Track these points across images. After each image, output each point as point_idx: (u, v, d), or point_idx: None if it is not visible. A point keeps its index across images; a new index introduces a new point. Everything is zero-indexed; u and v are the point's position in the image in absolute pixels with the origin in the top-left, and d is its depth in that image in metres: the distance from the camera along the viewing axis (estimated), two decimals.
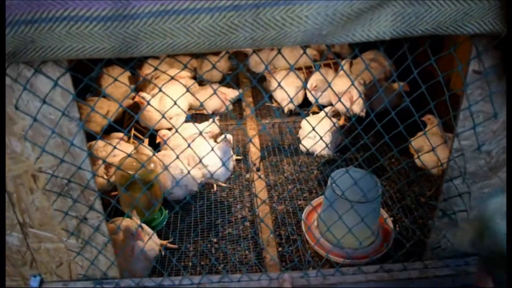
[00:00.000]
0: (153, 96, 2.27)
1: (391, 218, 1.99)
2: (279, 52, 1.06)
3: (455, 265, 1.49)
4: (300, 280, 1.49)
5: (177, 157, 1.28)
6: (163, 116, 1.18)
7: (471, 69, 1.16)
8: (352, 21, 0.96)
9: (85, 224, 1.33)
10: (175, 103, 1.18)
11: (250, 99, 2.86)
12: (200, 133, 1.32)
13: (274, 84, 2.75)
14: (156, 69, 1.09)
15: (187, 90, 1.15)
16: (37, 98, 1.12)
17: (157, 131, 2.29)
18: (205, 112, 2.68)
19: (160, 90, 1.16)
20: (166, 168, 1.38)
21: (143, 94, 2.32)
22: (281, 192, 2.24)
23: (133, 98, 2.35)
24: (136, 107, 2.51)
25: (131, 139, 2.28)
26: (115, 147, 1.32)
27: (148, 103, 1.26)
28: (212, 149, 1.50)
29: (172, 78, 1.15)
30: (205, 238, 1.98)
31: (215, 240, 1.99)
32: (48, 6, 0.86)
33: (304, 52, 1.10)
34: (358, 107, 2.29)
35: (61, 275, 1.46)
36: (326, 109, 2.24)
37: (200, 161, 1.38)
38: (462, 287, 1.49)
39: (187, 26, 0.90)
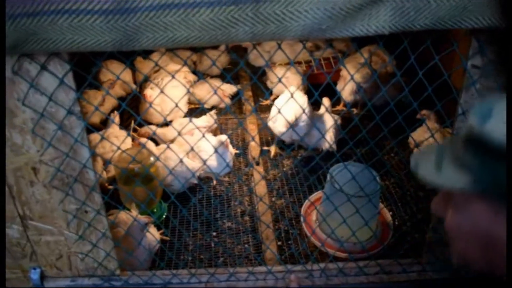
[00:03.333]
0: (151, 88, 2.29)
1: (390, 213, 2.02)
2: (279, 47, 1.08)
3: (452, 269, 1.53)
4: (305, 281, 1.53)
5: (168, 147, 1.30)
6: (165, 120, 1.21)
7: (470, 64, 1.18)
8: (351, 16, 0.98)
9: (84, 216, 1.36)
10: (177, 105, 1.20)
11: (250, 93, 2.88)
12: (197, 128, 1.35)
13: (274, 79, 2.77)
14: (156, 64, 1.12)
15: (188, 91, 1.17)
16: (38, 92, 1.14)
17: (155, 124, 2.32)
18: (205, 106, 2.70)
19: (162, 92, 1.18)
20: (155, 159, 1.40)
21: (149, 91, 2.33)
22: (281, 187, 2.26)
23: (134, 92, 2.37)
24: (135, 99, 2.54)
25: (131, 131, 2.30)
26: (119, 148, 1.34)
27: (150, 106, 1.28)
28: (216, 151, 1.53)
29: (173, 77, 1.17)
30: (204, 232, 2.01)
31: (214, 234, 2.02)
32: None
33: (304, 47, 1.12)
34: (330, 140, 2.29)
35: (61, 267, 1.49)
36: (326, 103, 2.26)
37: (190, 149, 1.40)
38: None
39: (188, 19, 0.93)
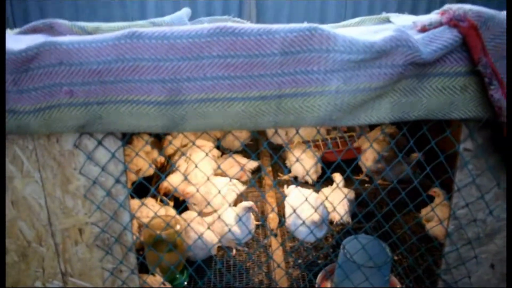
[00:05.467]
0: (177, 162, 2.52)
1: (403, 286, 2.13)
2: (297, 132, 1.32)
3: None
4: None
5: (188, 225, 1.51)
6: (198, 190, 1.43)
7: (462, 147, 1.39)
8: (356, 108, 1.22)
9: (119, 275, 1.54)
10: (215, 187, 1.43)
11: (269, 169, 3.11)
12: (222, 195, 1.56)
13: (292, 158, 3.01)
14: (193, 143, 1.36)
15: (219, 167, 1.39)
16: (93, 163, 1.39)
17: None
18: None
19: (196, 166, 1.42)
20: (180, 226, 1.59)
21: (190, 188, 2.54)
22: (297, 258, 2.40)
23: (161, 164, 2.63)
24: (162, 170, 2.78)
25: (159, 201, 2.52)
26: (156, 214, 1.56)
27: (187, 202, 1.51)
28: (240, 219, 1.70)
29: (207, 154, 1.41)
30: None
31: None
32: (117, 91, 1.15)
33: (318, 132, 1.36)
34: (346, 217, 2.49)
35: None
36: (337, 180, 2.47)
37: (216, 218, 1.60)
38: None
39: (224, 110, 1.18)
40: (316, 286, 2.12)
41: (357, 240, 1.64)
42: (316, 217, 2.14)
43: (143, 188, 1.63)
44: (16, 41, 1.27)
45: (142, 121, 1.20)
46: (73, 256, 1.53)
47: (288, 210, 2.48)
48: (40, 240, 1.51)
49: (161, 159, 2.94)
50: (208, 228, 1.85)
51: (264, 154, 3.28)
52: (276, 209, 2.64)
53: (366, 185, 2.95)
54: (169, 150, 3.03)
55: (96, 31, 1.46)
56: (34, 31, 1.47)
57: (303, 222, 1.90)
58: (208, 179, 1.63)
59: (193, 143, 1.34)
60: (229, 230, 1.79)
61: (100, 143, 1.35)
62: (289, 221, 2.39)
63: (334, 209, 2.17)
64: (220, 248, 2.42)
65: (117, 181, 1.41)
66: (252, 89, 1.15)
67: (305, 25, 1.14)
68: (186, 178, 1.49)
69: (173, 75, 1.13)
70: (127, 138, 1.35)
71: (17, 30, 1.57)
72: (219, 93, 1.15)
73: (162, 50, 1.12)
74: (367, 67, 1.16)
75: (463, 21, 1.17)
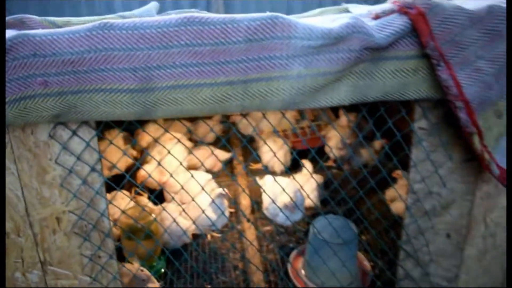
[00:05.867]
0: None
1: (371, 263, 2.26)
2: (265, 117, 1.41)
3: None
4: None
5: (164, 209, 1.58)
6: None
7: (417, 126, 1.51)
8: (318, 92, 1.31)
9: (98, 261, 1.60)
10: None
11: (241, 158, 3.20)
12: (202, 188, 1.64)
13: (262, 148, 3.11)
14: (165, 130, 1.43)
15: (191, 153, 1.47)
16: (68, 152, 1.44)
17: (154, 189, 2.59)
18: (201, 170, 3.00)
19: (169, 152, 1.49)
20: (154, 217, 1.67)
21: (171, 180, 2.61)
22: (271, 242, 2.51)
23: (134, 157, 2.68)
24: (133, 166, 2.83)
25: (133, 194, 2.58)
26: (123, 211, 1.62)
27: (173, 199, 1.58)
28: (214, 202, 1.79)
29: (179, 141, 1.48)
30: (199, 285, 2.22)
31: (208, 287, 2.23)
32: (91, 80, 1.21)
33: (284, 116, 1.45)
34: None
35: None
36: (308, 166, 2.58)
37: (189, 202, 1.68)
38: None
39: (193, 96, 1.25)
40: (289, 263, 2.22)
41: (326, 219, 1.75)
42: (287, 200, 2.25)
43: (119, 182, 1.69)
44: None
45: (116, 109, 1.26)
46: (51, 245, 1.58)
47: (265, 198, 2.57)
48: (18, 231, 1.55)
49: (135, 153, 2.99)
50: (183, 211, 1.90)
51: (235, 145, 3.37)
52: (247, 192, 2.74)
53: (334, 170, 3.08)
54: (143, 143, 3.07)
55: (67, 24, 1.50)
56: (6, 26, 1.51)
57: (281, 207, 2.00)
58: (187, 170, 1.70)
59: (166, 130, 1.41)
60: (203, 212, 1.86)
61: (74, 133, 1.41)
62: (267, 205, 2.50)
63: (306, 193, 2.27)
64: (195, 237, 2.50)
65: (93, 169, 1.46)
66: (219, 75, 1.23)
67: (268, 14, 1.22)
68: (159, 164, 1.56)
69: (144, 64, 1.20)
70: (101, 128, 1.41)
71: None
72: (188, 80, 1.23)
73: (133, 39, 1.18)
74: (326, 52, 1.25)
75: (412, 8, 1.28)
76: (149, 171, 2.59)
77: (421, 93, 1.39)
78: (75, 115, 1.28)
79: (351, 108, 3.10)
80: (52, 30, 1.20)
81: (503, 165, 1.48)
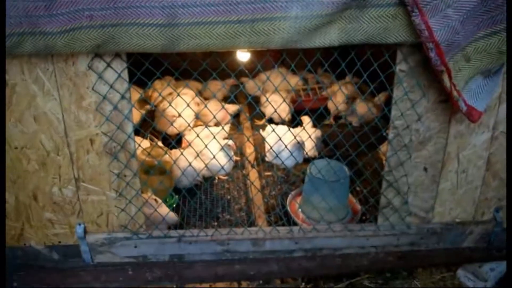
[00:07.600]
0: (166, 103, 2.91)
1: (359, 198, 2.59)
2: (267, 78, 1.71)
3: (399, 228, 2.10)
4: (286, 234, 2.09)
5: (182, 153, 1.90)
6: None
7: (398, 68, 1.81)
8: (312, 33, 1.61)
9: (124, 179, 1.93)
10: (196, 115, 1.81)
11: (247, 114, 3.53)
12: (214, 137, 1.97)
13: (266, 104, 3.42)
14: (169, 86, 1.74)
15: (205, 106, 1.78)
16: (103, 81, 1.75)
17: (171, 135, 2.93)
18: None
19: (178, 95, 1.80)
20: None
21: (188, 137, 2.98)
22: (273, 189, 2.84)
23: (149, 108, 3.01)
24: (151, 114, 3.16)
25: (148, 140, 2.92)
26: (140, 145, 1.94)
27: (184, 154, 1.89)
28: (223, 147, 2.09)
29: (197, 95, 1.80)
30: (207, 221, 2.55)
31: (215, 223, 2.56)
32: (127, 15, 1.52)
33: (284, 79, 1.77)
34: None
35: (100, 223, 2.04)
36: (306, 121, 2.90)
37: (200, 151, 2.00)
38: (404, 244, 2.08)
39: (210, 32, 1.56)
40: (288, 201, 2.55)
41: (322, 161, 2.07)
42: (296, 140, 2.54)
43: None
44: None
45: (146, 40, 1.57)
46: (85, 163, 1.91)
47: (267, 144, 2.88)
48: (57, 150, 1.88)
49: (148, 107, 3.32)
50: (198, 155, 2.22)
51: (242, 103, 3.70)
52: (252, 142, 3.06)
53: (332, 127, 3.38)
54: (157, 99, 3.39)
55: None
56: None
57: (286, 146, 2.29)
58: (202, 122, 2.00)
59: (174, 87, 1.72)
60: (214, 157, 2.17)
61: (109, 64, 1.72)
62: (268, 148, 2.80)
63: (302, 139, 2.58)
64: (205, 179, 2.84)
65: (123, 97, 1.78)
66: (231, 14, 1.53)
67: None
68: (180, 115, 1.89)
69: (170, 2, 1.50)
70: (131, 60, 1.73)
71: None
72: (206, 18, 1.53)
73: None
74: None
75: None
76: (165, 122, 2.93)
77: (400, 37, 1.68)
78: (112, 45, 1.59)
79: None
80: None
81: (473, 104, 1.78)
